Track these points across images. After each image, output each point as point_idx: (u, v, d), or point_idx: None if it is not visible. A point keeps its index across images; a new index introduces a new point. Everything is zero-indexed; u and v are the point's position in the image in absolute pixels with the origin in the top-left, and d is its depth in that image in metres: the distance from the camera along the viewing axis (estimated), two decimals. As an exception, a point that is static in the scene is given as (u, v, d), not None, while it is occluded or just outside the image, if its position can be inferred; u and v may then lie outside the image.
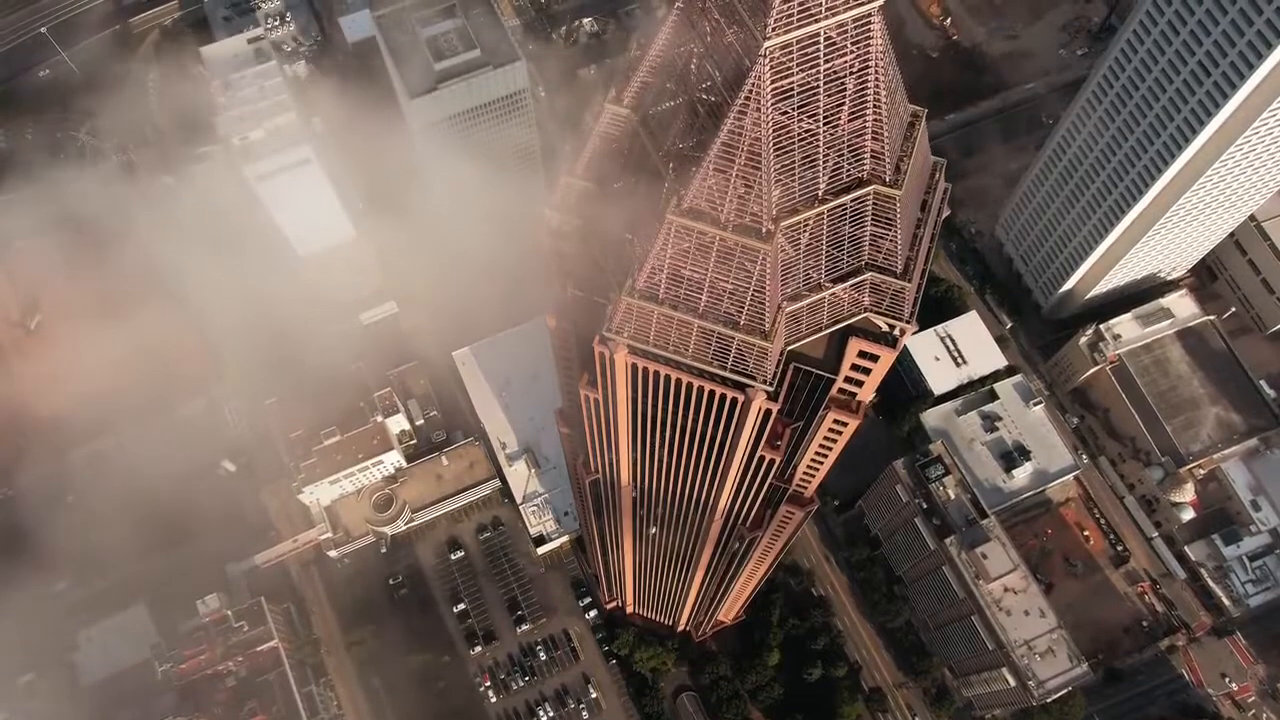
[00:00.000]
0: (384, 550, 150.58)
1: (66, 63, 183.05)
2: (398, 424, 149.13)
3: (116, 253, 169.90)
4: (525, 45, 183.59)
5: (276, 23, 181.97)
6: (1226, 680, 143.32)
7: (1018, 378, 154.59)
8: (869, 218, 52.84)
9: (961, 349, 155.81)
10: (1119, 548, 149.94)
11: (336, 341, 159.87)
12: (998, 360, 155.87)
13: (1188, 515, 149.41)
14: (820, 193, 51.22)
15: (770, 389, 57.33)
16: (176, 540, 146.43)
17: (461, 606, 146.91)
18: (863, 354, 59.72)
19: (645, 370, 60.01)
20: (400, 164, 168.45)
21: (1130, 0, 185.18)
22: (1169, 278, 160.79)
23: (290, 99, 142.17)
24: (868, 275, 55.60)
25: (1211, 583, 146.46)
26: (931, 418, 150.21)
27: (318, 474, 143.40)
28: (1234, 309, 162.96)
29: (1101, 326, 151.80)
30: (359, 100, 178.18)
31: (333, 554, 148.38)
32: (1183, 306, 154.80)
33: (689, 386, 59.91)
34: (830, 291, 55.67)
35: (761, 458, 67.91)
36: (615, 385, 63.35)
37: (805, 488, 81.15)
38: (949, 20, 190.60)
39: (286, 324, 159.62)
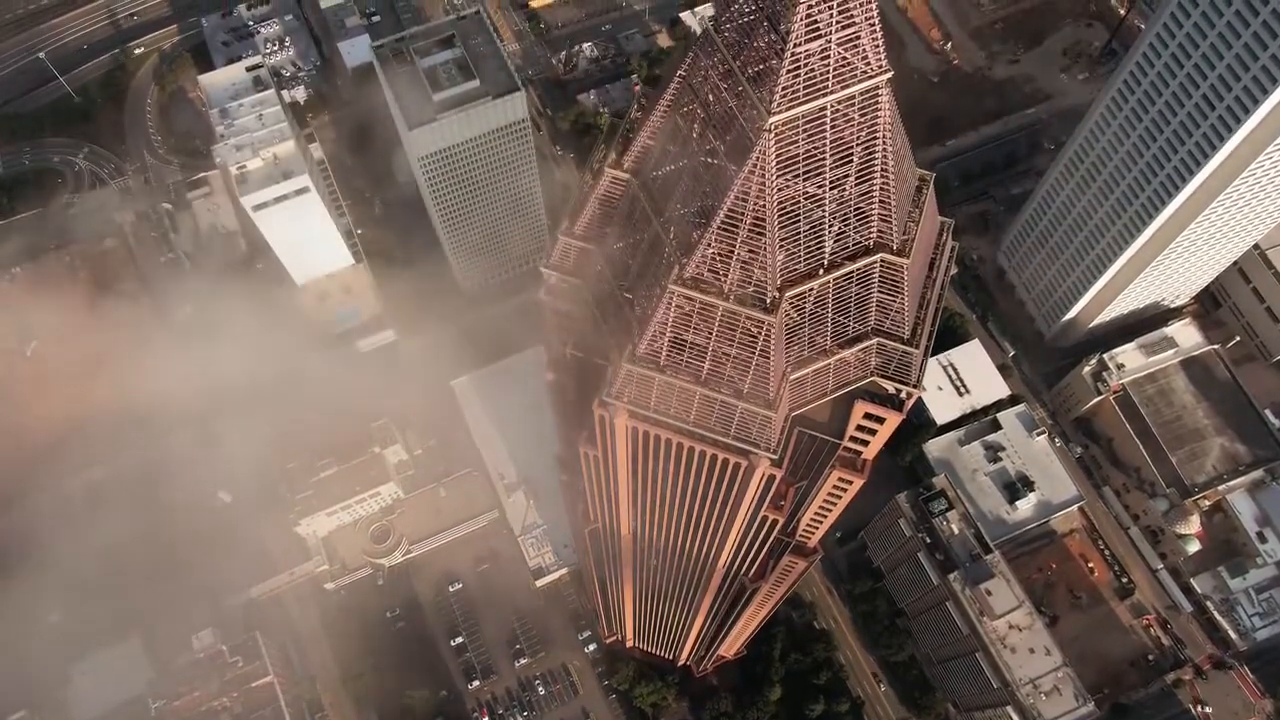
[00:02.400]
0: (381, 582, 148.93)
1: (65, 88, 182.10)
2: (395, 455, 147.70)
3: (113, 279, 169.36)
4: (525, 71, 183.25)
5: (275, 47, 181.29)
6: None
7: (1021, 407, 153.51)
8: (876, 285, 51.65)
9: (964, 378, 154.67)
10: (1124, 580, 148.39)
11: (334, 370, 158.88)
12: (1000, 389, 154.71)
13: (1193, 547, 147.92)
14: (826, 261, 50.04)
15: (774, 456, 56.03)
16: (171, 572, 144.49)
17: (459, 640, 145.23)
18: (869, 416, 58.48)
19: (646, 434, 58.73)
20: (400, 191, 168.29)
21: (1132, 25, 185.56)
22: (1172, 305, 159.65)
23: (289, 127, 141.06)
24: (874, 341, 54.37)
25: (1218, 615, 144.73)
26: (934, 448, 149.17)
27: (314, 506, 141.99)
28: (1238, 338, 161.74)
29: (1105, 356, 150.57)
30: (358, 125, 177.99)
31: (329, 586, 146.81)
32: (1187, 336, 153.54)
33: (691, 450, 58.61)
34: (836, 357, 54.42)
35: (764, 518, 66.54)
36: (615, 445, 62.05)
37: (809, 538, 79.73)
38: (950, 45, 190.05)
39: (283, 352, 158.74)
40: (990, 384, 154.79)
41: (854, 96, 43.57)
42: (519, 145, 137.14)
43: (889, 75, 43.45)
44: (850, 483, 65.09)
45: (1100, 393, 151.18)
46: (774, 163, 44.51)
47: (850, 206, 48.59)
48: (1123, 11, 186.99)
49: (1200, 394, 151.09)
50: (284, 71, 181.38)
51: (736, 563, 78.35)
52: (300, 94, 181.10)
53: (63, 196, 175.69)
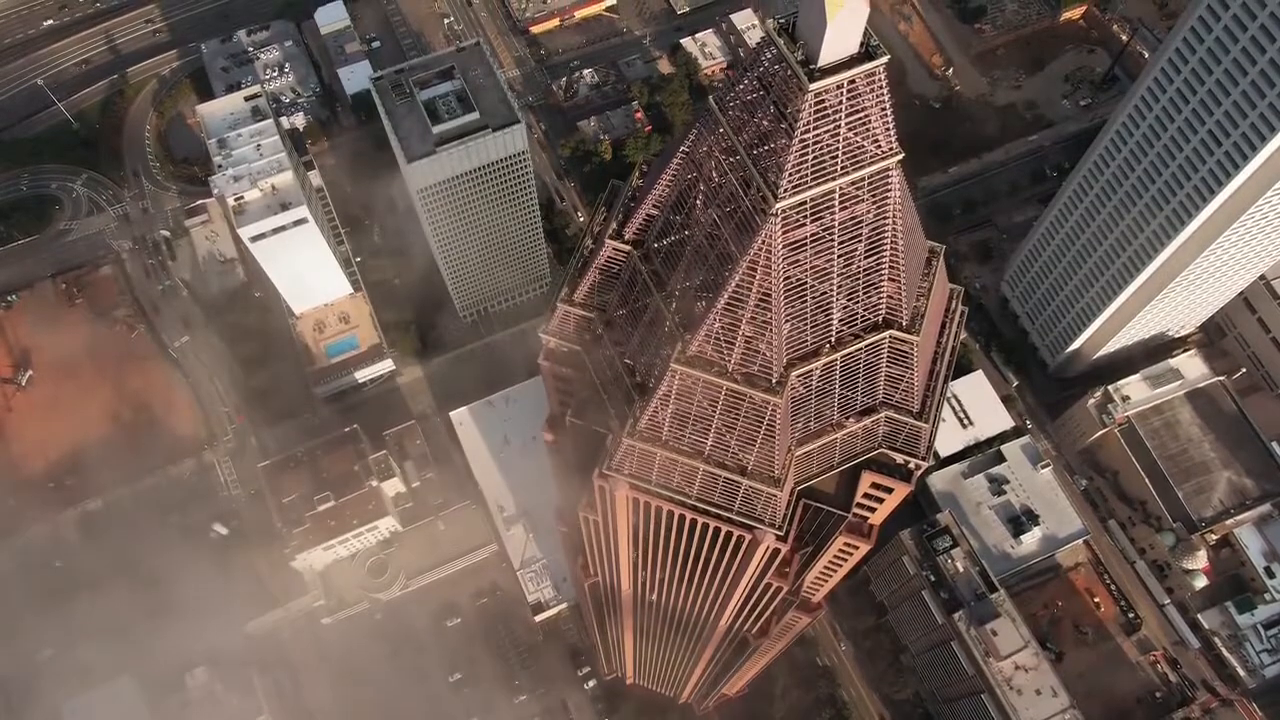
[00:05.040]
0: (378, 617, 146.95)
1: (63, 113, 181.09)
2: (393, 487, 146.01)
3: (110, 307, 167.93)
4: (525, 97, 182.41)
5: (275, 74, 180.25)
6: None
7: (1025, 439, 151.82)
8: (885, 360, 50.27)
9: (968, 409, 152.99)
10: (1130, 615, 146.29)
11: (331, 401, 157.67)
12: (1004, 421, 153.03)
13: (1200, 582, 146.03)
14: (834, 338, 48.64)
15: (780, 531, 54.54)
16: (166, 606, 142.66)
17: (457, 676, 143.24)
18: (876, 485, 57.08)
19: (648, 504, 57.22)
20: (399, 218, 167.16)
21: (1134, 51, 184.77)
22: (1176, 335, 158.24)
23: (287, 157, 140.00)
24: (883, 414, 52.97)
25: (1226, 651, 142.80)
26: (938, 481, 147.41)
27: (311, 540, 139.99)
28: (1243, 369, 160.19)
29: (1110, 388, 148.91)
30: (358, 151, 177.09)
31: (326, 621, 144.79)
32: (1192, 367, 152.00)
33: (694, 522, 57.12)
34: (844, 431, 53.00)
35: (768, 584, 64.99)
36: (615, 514, 60.57)
37: (813, 594, 78.21)
38: (951, 70, 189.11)
39: (280, 383, 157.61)
40: (994, 415, 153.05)
41: (863, 179, 42.26)
42: (519, 177, 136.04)
43: (900, 157, 42.14)
44: (857, 548, 63.68)
45: (1105, 425, 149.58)
46: (780, 246, 43.17)
47: (858, 283, 47.23)
48: (1125, 38, 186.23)
49: (1206, 426, 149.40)
50: (283, 98, 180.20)
51: (739, 622, 76.78)
52: (299, 120, 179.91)
53: (60, 223, 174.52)
